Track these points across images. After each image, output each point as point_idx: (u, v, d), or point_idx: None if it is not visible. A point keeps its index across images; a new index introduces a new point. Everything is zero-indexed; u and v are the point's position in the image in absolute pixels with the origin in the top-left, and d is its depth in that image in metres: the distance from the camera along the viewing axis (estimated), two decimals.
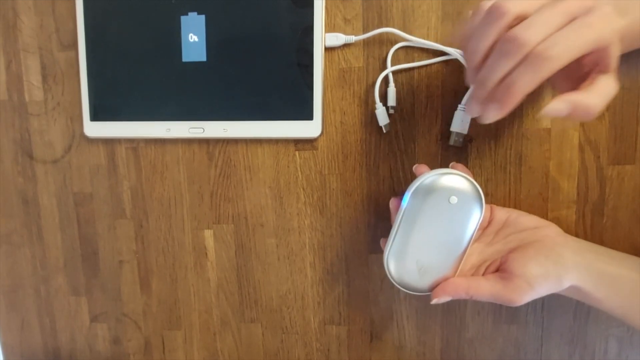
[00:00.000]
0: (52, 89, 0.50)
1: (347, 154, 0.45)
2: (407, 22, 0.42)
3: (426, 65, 0.43)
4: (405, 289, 0.39)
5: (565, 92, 0.30)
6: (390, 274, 0.39)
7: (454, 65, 0.42)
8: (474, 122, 0.42)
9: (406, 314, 0.47)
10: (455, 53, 0.41)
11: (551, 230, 0.39)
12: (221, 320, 0.51)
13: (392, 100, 0.43)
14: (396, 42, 0.42)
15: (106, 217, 0.51)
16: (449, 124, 0.42)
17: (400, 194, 0.38)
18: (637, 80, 0.39)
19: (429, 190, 0.36)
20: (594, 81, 0.30)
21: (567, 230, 0.41)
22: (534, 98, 0.41)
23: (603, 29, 0.28)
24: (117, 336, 0.54)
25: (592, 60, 0.30)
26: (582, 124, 0.41)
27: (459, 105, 0.41)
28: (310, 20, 0.43)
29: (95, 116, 0.48)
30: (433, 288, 0.38)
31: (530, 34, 0.28)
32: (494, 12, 0.29)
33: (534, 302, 0.43)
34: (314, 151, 0.46)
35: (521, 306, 0.37)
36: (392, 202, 0.39)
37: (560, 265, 0.36)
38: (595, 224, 0.42)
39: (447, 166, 0.40)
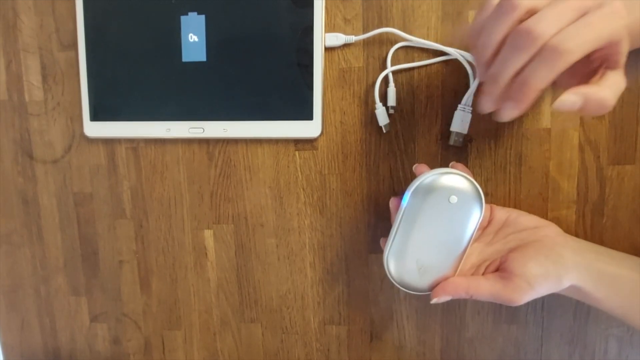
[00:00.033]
0: (52, 89, 0.50)
1: (347, 154, 0.45)
2: (407, 22, 0.42)
3: (426, 65, 0.43)
4: (405, 288, 0.39)
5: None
6: (390, 274, 0.39)
7: (454, 65, 0.42)
8: (474, 122, 0.42)
9: (406, 314, 0.47)
10: (455, 53, 0.41)
11: (551, 230, 0.39)
12: (221, 320, 0.51)
13: (392, 100, 0.43)
14: (396, 42, 0.42)
15: (106, 217, 0.51)
16: (449, 124, 0.42)
17: (400, 194, 0.38)
18: (637, 80, 0.39)
19: (429, 190, 0.36)
20: (603, 76, 0.30)
21: (567, 230, 0.41)
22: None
23: (615, 24, 0.28)
24: (117, 336, 0.54)
25: (602, 56, 0.30)
26: (582, 124, 0.41)
27: (459, 105, 0.41)
28: (310, 20, 0.43)
29: (95, 116, 0.49)
30: (433, 288, 0.38)
31: (543, 27, 0.27)
32: (504, 6, 0.29)
33: (534, 302, 0.43)
34: (314, 151, 0.46)
35: (521, 306, 0.37)
36: (392, 202, 0.39)
37: (560, 265, 0.36)
38: (595, 224, 0.42)
39: (447, 166, 0.40)
